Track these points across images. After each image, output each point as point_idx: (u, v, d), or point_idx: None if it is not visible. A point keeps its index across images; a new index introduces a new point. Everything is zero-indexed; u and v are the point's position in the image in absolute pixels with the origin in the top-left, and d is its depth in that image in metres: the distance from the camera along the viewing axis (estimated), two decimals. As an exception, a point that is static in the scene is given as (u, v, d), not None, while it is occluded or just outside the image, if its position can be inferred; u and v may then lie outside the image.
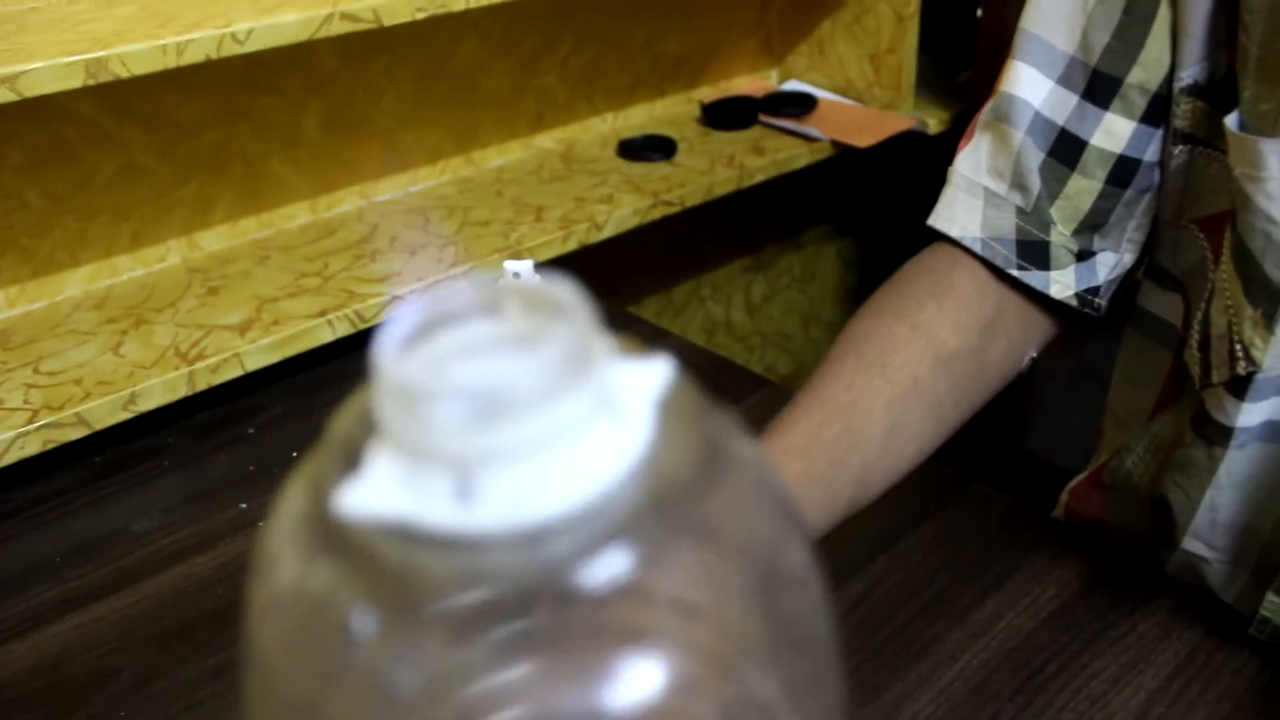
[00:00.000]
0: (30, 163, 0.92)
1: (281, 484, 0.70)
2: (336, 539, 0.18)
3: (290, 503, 0.21)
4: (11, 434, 0.78)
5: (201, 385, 0.86)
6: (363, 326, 0.94)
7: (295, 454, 0.82)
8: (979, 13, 1.30)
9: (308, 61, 1.04)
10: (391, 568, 0.18)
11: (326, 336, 0.92)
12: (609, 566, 0.18)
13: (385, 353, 0.19)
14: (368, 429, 0.20)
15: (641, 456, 0.20)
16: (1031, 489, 0.78)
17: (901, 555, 0.68)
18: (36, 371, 0.86)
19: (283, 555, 0.20)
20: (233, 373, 0.87)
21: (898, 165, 1.35)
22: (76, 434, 0.81)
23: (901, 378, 0.59)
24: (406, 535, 0.18)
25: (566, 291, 0.20)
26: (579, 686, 0.18)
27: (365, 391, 0.21)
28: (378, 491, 0.19)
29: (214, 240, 1.05)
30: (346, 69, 1.08)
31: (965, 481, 0.74)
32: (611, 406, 0.20)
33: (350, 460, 0.20)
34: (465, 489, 0.18)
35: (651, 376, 0.21)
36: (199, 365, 0.86)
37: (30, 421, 0.79)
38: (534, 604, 0.17)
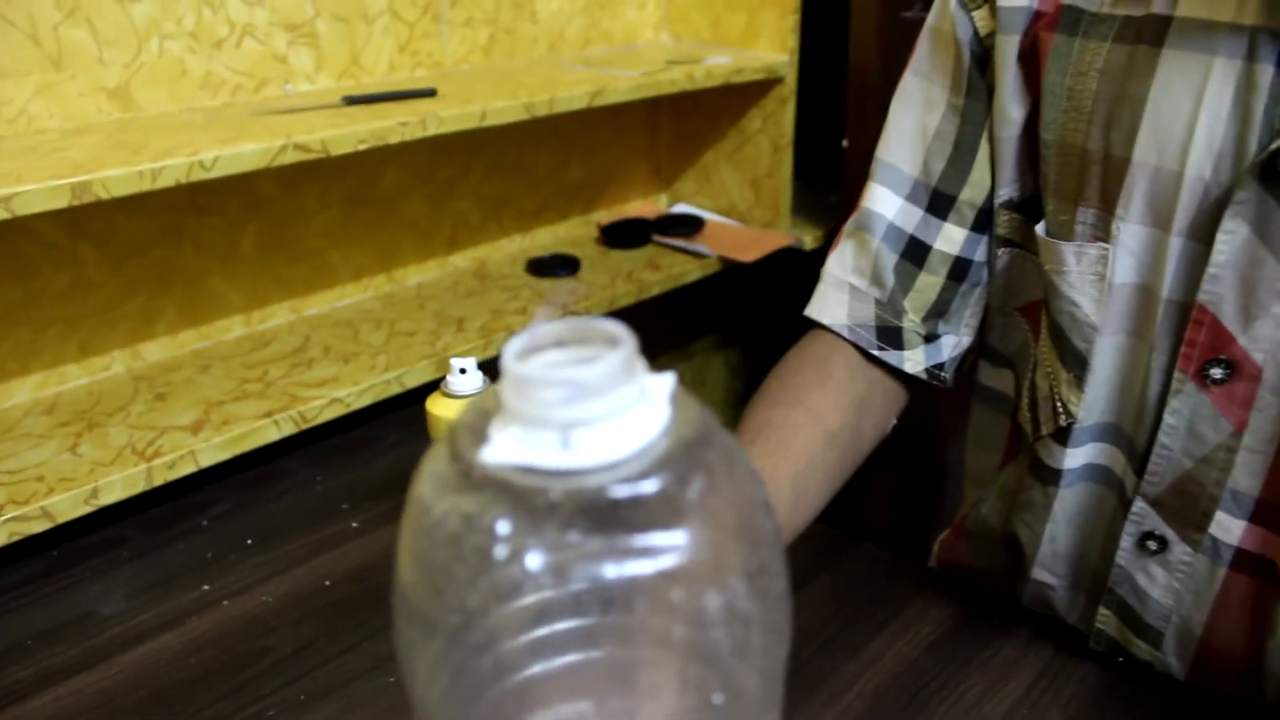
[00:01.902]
0: (-12, 278, 0.99)
1: (241, 569, 0.79)
2: (481, 479, 0.29)
3: (434, 466, 0.31)
4: (-20, 527, 0.84)
5: (159, 480, 0.93)
6: (305, 426, 1.02)
7: (250, 541, 0.90)
8: (845, 144, 1.48)
9: (248, 186, 1.14)
10: (522, 492, 0.28)
11: (273, 435, 1.00)
12: (651, 485, 0.29)
13: (509, 360, 0.29)
14: (485, 415, 0.30)
15: (665, 425, 0.30)
16: (907, 544, 0.90)
17: (803, 602, 0.79)
18: (-3, 471, 0.91)
19: (436, 497, 0.30)
20: (188, 469, 0.94)
21: (777, 279, 1.50)
22: (40, 526, 0.87)
23: (801, 456, 0.71)
24: (529, 471, 0.28)
25: (620, 328, 0.31)
26: (642, 554, 0.28)
27: (476, 399, 0.32)
28: (508, 447, 0.29)
29: (156, 351, 1.12)
30: (282, 194, 1.18)
31: (854, 541, 0.86)
32: (646, 396, 0.31)
33: (478, 435, 0.30)
34: (566, 442, 0.29)
35: (665, 381, 0.32)
36: (156, 462, 0.92)
37: (-2, 515, 0.85)
38: (609, 507, 0.28)
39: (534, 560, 0.28)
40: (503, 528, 0.28)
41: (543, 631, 0.30)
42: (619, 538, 0.28)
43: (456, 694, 0.30)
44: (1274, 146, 0.55)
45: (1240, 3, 0.57)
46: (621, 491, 0.28)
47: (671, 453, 0.29)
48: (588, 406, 0.29)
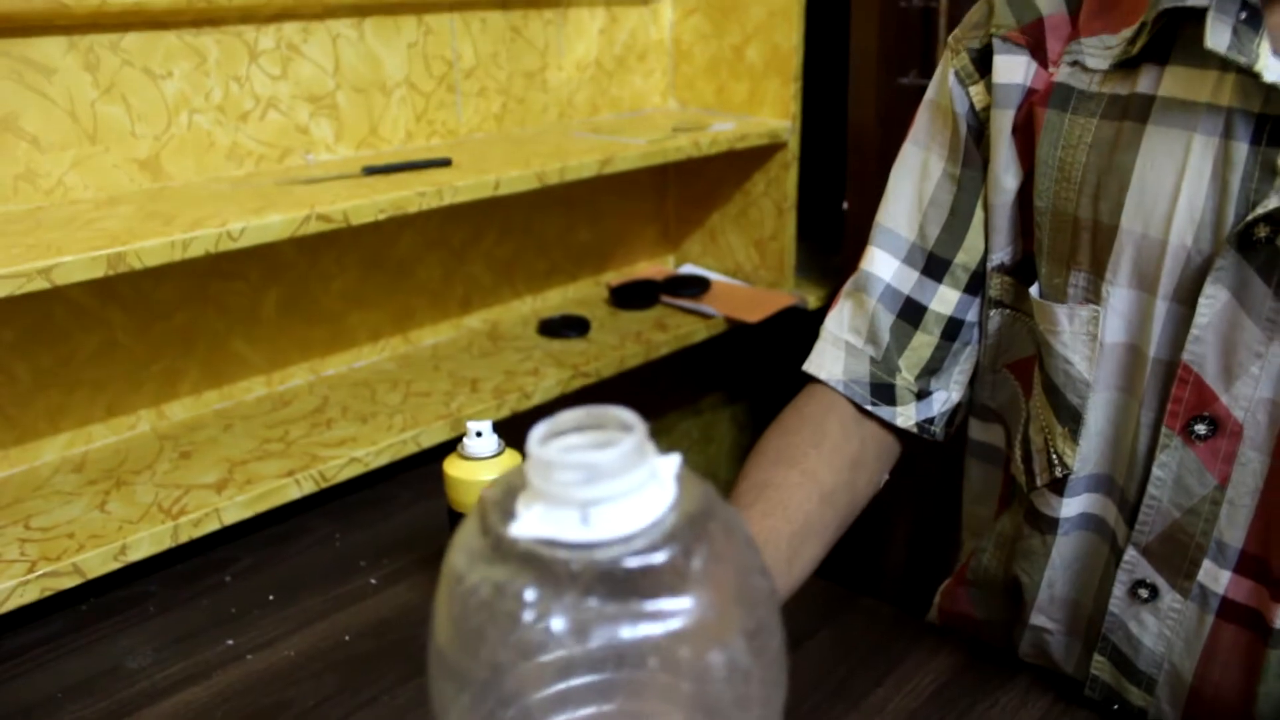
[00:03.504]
0: (22, 341, 1.03)
1: (264, 624, 0.83)
2: (509, 551, 0.32)
3: (466, 539, 0.34)
4: (12, 583, 0.87)
5: (185, 537, 0.96)
6: (325, 485, 1.06)
7: (272, 596, 0.93)
8: (846, 206, 1.52)
9: (268, 252, 1.18)
10: (546, 563, 0.32)
11: (294, 494, 1.03)
12: (661, 556, 0.32)
13: (534, 444, 0.33)
14: (512, 492, 0.34)
15: (672, 502, 0.34)
16: (908, 598, 0.93)
17: (807, 654, 0.81)
18: (28, 528, 0.95)
19: (469, 568, 0.33)
20: (212, 526, 0.98)
21: (782, 337, 1.54)
22: (71, 582, 0.90)
23: (797, 516, 0.74)
24: (552, 544, 0.32)
25: (632, 416, 0.34)
26: (652, 617, 0.31)
27: (503, 476, 0.35)
28: (533, 523, 0.32)
29: (180, 410, 1.16)
30: (302, 260, 1.22)
31: (854, 596, 0.89)
32: (655, 475, 0.34)
33: (505, 511, 0.33)
34: (585, 518, 0.32)
35: (673, 462, 0.36)
36: (182, 520, 0.96)
37: (30, 571, 0.88)
38: (623, 576, 0.31)
39: (558, 623, 0.31)
40: (530, 595, 0.31)
41: (563, 686, 0.33)
42: (632, 603, 0.31)
43: (485, 711, 0.33)
44: (1250, 217, 0.59)
45: (1217, 85, 0.61)
46: (634, 562, 0.32)
47: (678, 526, 0.33)
48: (604, 487, 0.32)
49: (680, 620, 0.32)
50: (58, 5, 0.95)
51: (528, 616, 0.31)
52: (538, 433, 0.34)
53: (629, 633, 0.31)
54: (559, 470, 0.32)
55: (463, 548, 0.34)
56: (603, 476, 0.32)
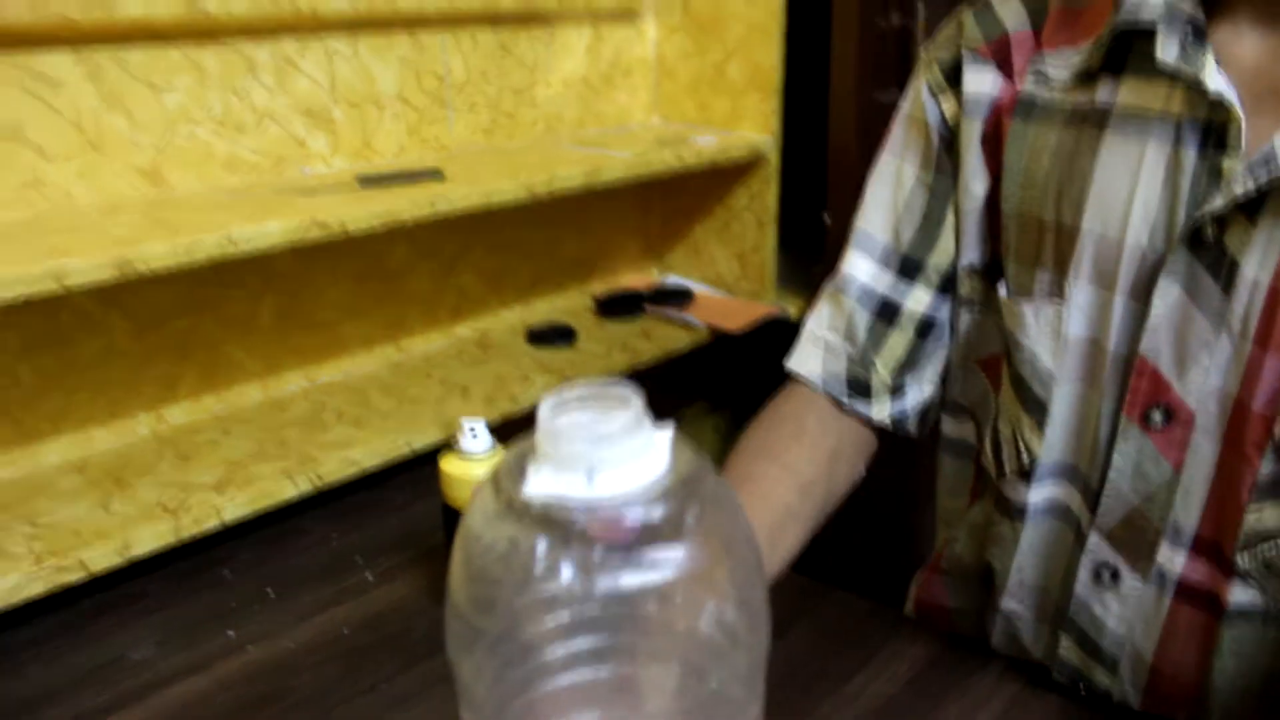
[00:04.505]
0: (26, 346, 1.06)
1: (264, 617, 0.87)
2: (522, 509, 0.36)
3: (482, 499, 0.38)
4: (20, 577, 0.90)
5: (186, 535, 0.99)
6: (321, 486, 1.09)
7: (270, 592, 0.96)
8: (827, 218, 1.57)
9: (265, 262, 1.22)
10: (555, 518, 0.35)
11: (291, 494, 1.06)
12: (658, 511, 0.36)
13: (544, 414, 0.37)
14: (522, 460, 0.38)
15: (667, 466, 0.38)
16: (884, 590, 0.97)
17: (787, 645, 0.85)
18: (34, 525, 0.97)
19: (485, 526, 0.37)
20: (212, 524, 1.01)
21: (764, 347, 1.58)
22: (76, 577, 0.93)
23: (778, 507, 0.78)
24: (561, 502, 0.35)
25: (631, 390, 0.38)
26: (648, 564, 0.35)
27: (513, 447, 0.39)
28: (543, 484, 0.36)
29: (179, 414, 1.19)
30: (297, 269, 1.25)
31: (831, 590, 0.92)
32: (652, 443, 0.38)
33: (518, 473, 0.37)
34: (590, 479, 0.36)
35: (665, 430, 0.39)
36: (184, 518, 0.99)
37: (36, 565, 0.91)
38: (626, 529, 0.35)
39: (566, 572, 0.35)
40: (541, 546, 0.35)
41: (570, 646, 0.37)
42: (631, 553, 0.35)
43: (503, 675, 0.37)
44: (1197, 214, 0.64)
45: (1168, 96, 0.66)
46: (634, 515, 0.35)
47: (672, 487, 0.37)
48: (607, 452, 0.36)
49: (673, 568, 0.35)
50: (65, 20, 0.98)
51: (539, 567, 0.35)
52: (547, 404, 0.37)
53: (629, 580, 0.35)
54: (567, 438, 0.36)
55: (478, 510, 0.37)
56: (606, 443, 0.36)
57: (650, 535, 0.35)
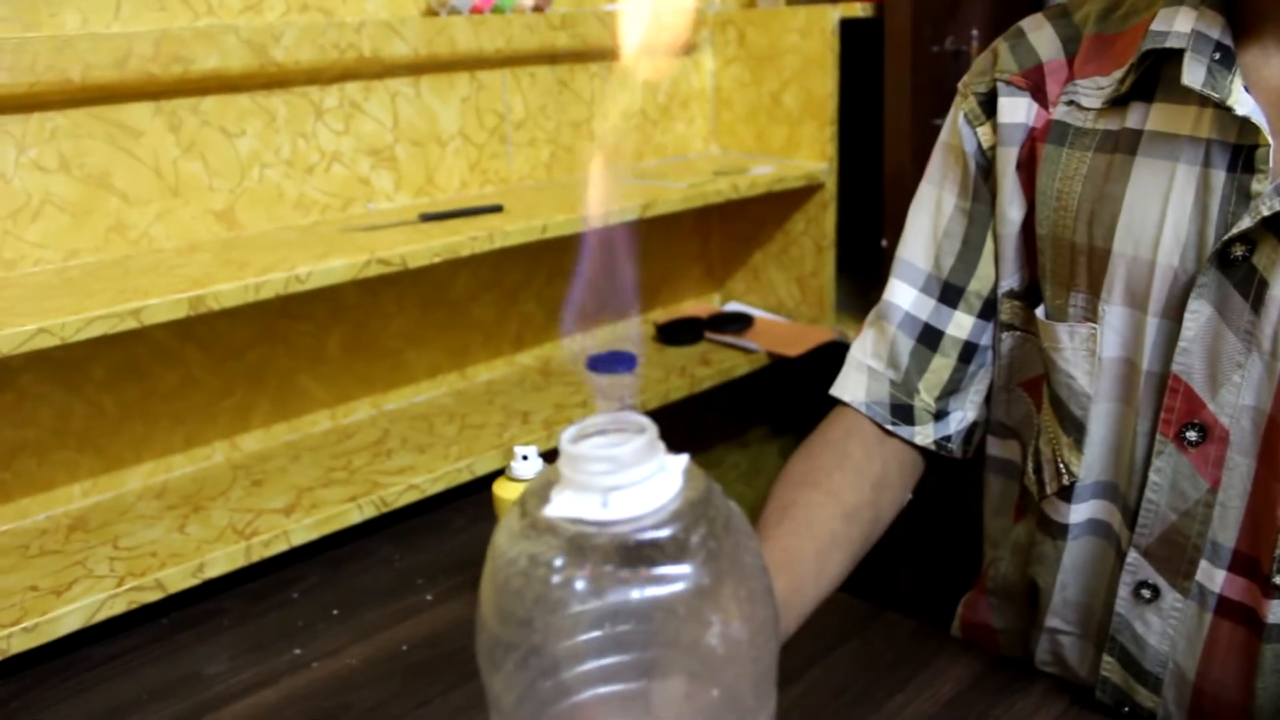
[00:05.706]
0: (110, 378, 1.12)
1: (328, 635, 0.91)
2: (543, 528, 0.39)
3: (510, 519, 0.41)
4: (103, 595, 0.95)
5: (256, 557, 1.04)
6: (385, 510, 1.13)
7: (335, 611, 1.00)
8: (884, 243, 1.58)
9: (333, 294, 1.27)
10: (572, 536, 0.38)
11: (356, 518, 1.11)
12: (668, 531, 0.38)
13: (565, 442, 0.39)
14: (548, 484, 0.40)
15: (678, 490, 0.40)
16: (932, 611, 0.98)
17: (831, 665, 0.86)
18: (116, 547, 1.03)
19: (509, 544, 0.40)
20: (281, 547, 1.05)
21: (826, 371, 1.59)
22: (154, 596, 0.98)
23: (822, 534, 0.79)
24: (578, 522, 0.38)
25: (645, 420, 0.41)
26: (658, 581, 0.37)
27: (542, 472, 0.42)
28: (562, 505, 0.39)
29: (252, 442, 1.24)
30: (364, 300, 1.31)
31: (880, 610, 0.94)
32: (665, 468, 0.41)
33: (543, 495, 0.40)
34: (605, 501, 0.39)
35: (680, 459, 0.42)
36: (254, 540, 1.04)
37: (118, 585, 0.96)
38: (636, 548, 0.38)
39: (581, 584, 0.37)
40: (559, 561, 0.38)
41: (584, 637, 0.39)
42: (643, 569, 0.38)
43: (526, 680, 0.40)
44: (1227, 237, 0.65)
45: (1197, 119, 0.67)
46: (644, 536, 0.38)
47: (682, 510, 0.39)
48: (622, 476, 0.39)
49: (682, 584, 0.38)
50: (147, 75, 1.04)
51: (557, 579, 0.38)
52: (569, 433, 0.40)
53: (639, 594, 0.37)
54: (585, 462, 0.39)
55: (505, 529, 0.40)
56: (621, 467, 0.39)
57: (659, 553, 0.38)
